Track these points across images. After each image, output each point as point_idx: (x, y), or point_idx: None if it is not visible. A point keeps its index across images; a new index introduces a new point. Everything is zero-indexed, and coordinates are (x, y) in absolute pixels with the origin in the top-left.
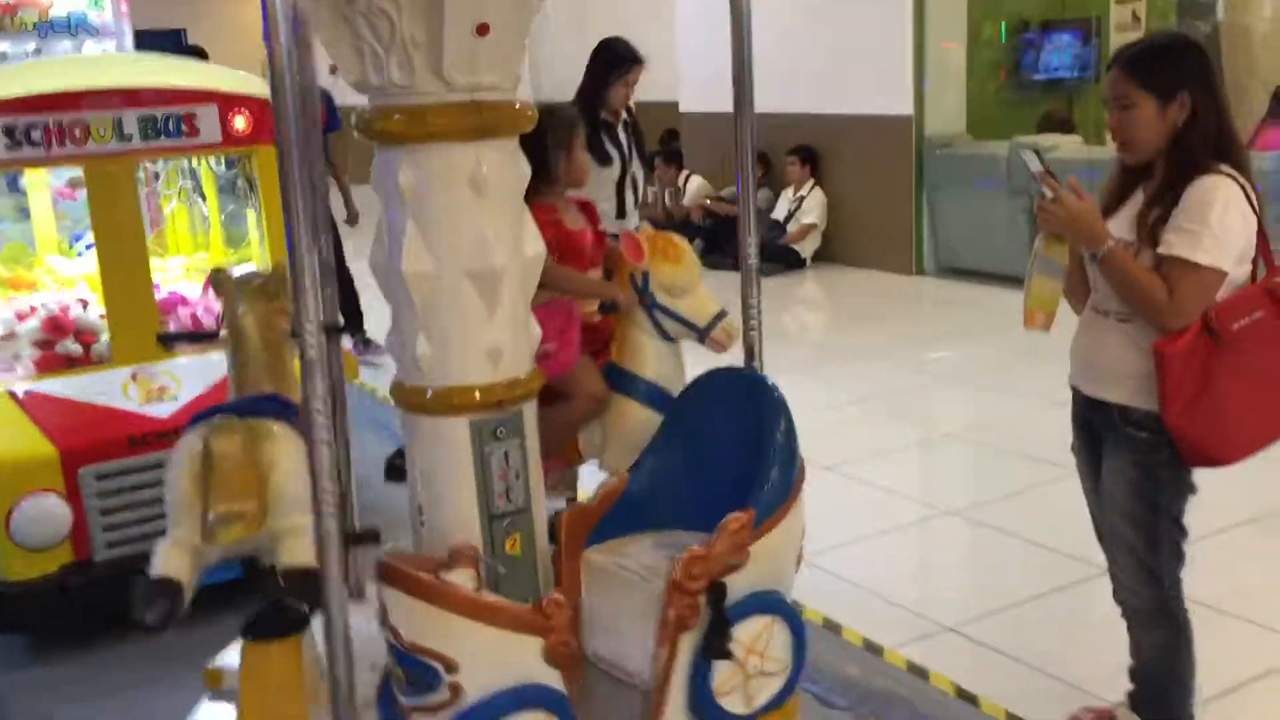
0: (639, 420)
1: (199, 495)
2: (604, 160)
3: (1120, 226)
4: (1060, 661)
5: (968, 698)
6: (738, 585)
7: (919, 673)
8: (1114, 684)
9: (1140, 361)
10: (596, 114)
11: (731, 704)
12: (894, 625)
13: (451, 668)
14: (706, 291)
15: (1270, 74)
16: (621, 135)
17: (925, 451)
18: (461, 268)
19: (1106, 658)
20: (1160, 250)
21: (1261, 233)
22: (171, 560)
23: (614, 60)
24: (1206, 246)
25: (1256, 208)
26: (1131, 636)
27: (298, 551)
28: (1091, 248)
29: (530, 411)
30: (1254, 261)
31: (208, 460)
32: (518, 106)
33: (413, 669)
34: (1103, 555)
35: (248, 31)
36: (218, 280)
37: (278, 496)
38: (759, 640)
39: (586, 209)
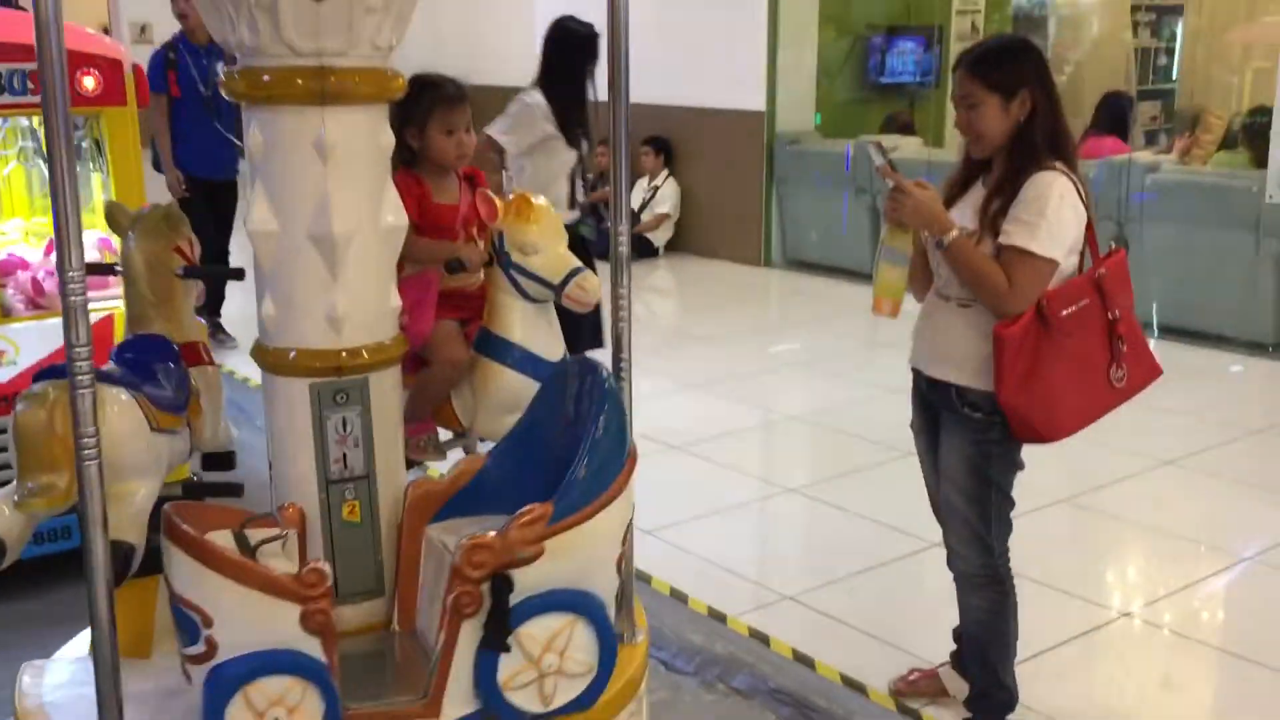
0: (507, 385)
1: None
2: (574, 143)
3: (963, 215)
4: (890, 628)
5: (805, 661)
6: (533, 579)
7: (760, 638)
8: (939, 648)
9: (978, 345)
10: (579, 98)
11: (523, 700)
12: (736, 595)
13: (208, 622)
14: (564, 250)
15: (1094, 88)
16: None
17: (768, 433)
18: (303, 231)
19: (933, 624)
20: (1000, 240)
21: (1089, 226)
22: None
23: (584, 44)
24: (1042, 238)
25: (1086, 203)
26: (960, 601)
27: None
28: (937, 235)
29: (382, 381)
30: (1081, 254)
31: (17, 430)
32: (380, 74)
33: (179, 619)
34: (932, 531)
35: None
36: (112, 214)
37: None
38: (557, 639)
39: (473, 181)
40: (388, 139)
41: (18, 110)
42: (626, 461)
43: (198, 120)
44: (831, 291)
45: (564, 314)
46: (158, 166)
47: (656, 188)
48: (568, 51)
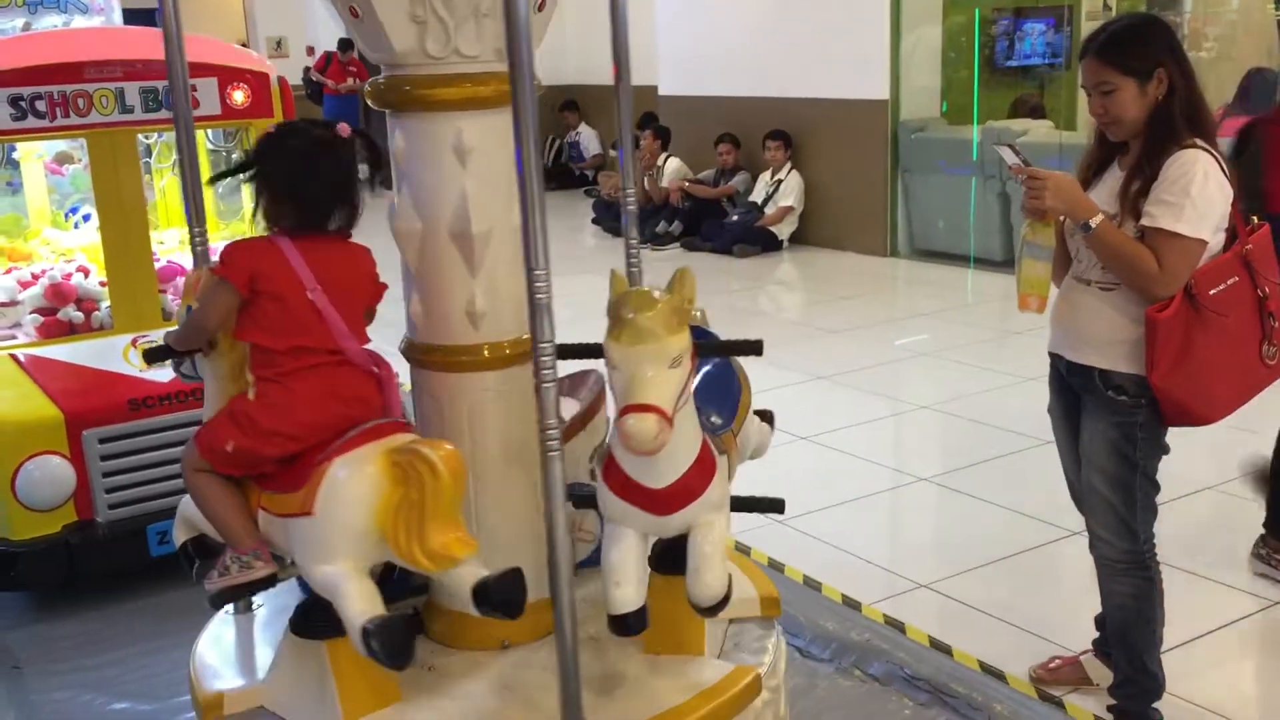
0: None
1: None
2: None
3: (1099, 199)
4: (1029, 615)
5: (941, 648)
6: None
7: (895, 626)
8: (1079, 636)
9: (1123, 327)
10: None
11: None
12: (870, 583)
13: None
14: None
15: (1236, 64)
16: None
17: (898, 423)
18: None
19: (1072, 612)
20: (1144, 222)
21: (1234, 202)
22: None
23: None
24: (1188, 218)
25: (1230, 178)
26: (1103, 587)
27: None
28: (1081, 219)
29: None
30: (1227, 230)
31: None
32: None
33: None
34: (1069, 519)
35: (227, 10)
36: None
37: None
38: None
39: None
40: None
41: (172, 125)
42: None
43: None
44: (959, 280)
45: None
46: None
47: (780, 181)
48: None
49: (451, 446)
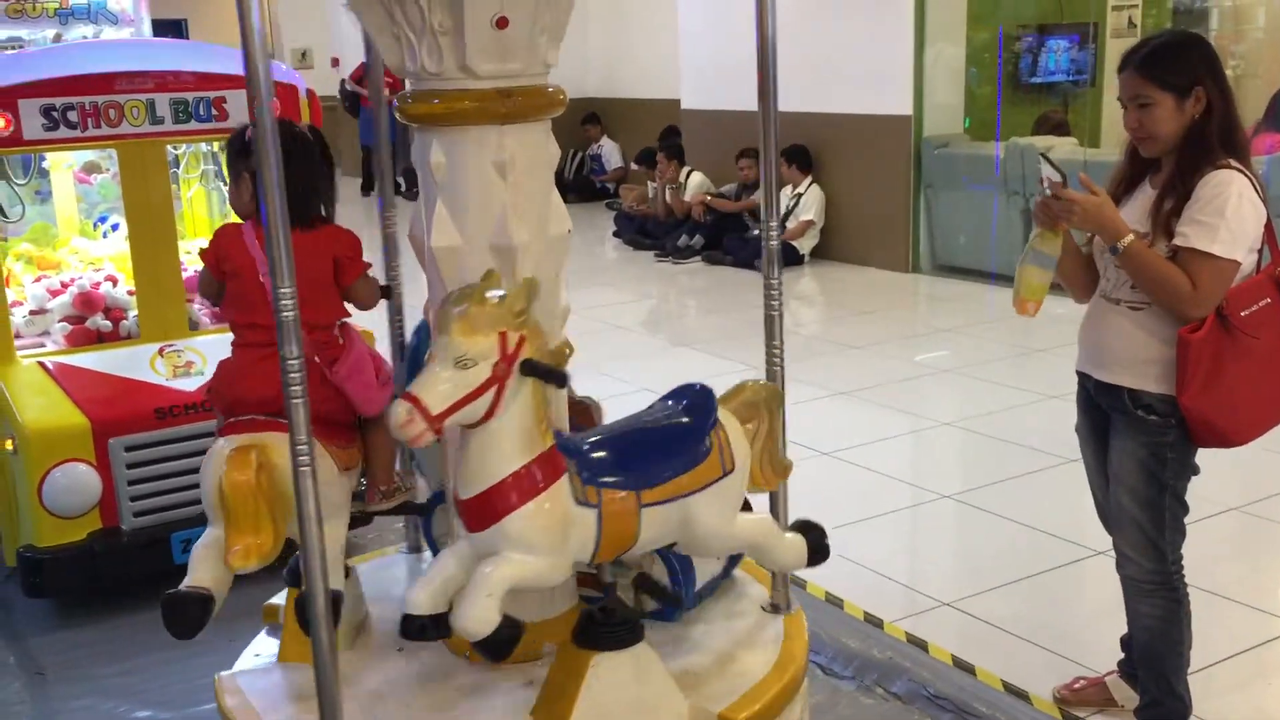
0: None
1: None
2: None
3: (1129, 217)
4: (1053, 635)
5: (965, 667)
6: None
7: (918, 644)
8: (1104, 656)
9: (1152, 347)
10: None
11: None
12: (892, 600)
13: None
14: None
15: (1265, 82)
16: None
17: (918, 439)
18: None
19: (1097, 632)
20: (1177, 242)
21: (1268, 223)
22: None
23: None
24: (1222, 238)
25: (1264, 198)
26: (1130, 608)
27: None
28: (1111, 240)
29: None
30: (1259, 251)
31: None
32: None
33: None
34: (1093, 538)
35: None
36: None
37: None
38: None
39: None
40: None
41: (202, 136)
42: None
43: None
44: (981, 296)
45: None
46: None
47: (800, 195)
48: None
49: (251, 465)
